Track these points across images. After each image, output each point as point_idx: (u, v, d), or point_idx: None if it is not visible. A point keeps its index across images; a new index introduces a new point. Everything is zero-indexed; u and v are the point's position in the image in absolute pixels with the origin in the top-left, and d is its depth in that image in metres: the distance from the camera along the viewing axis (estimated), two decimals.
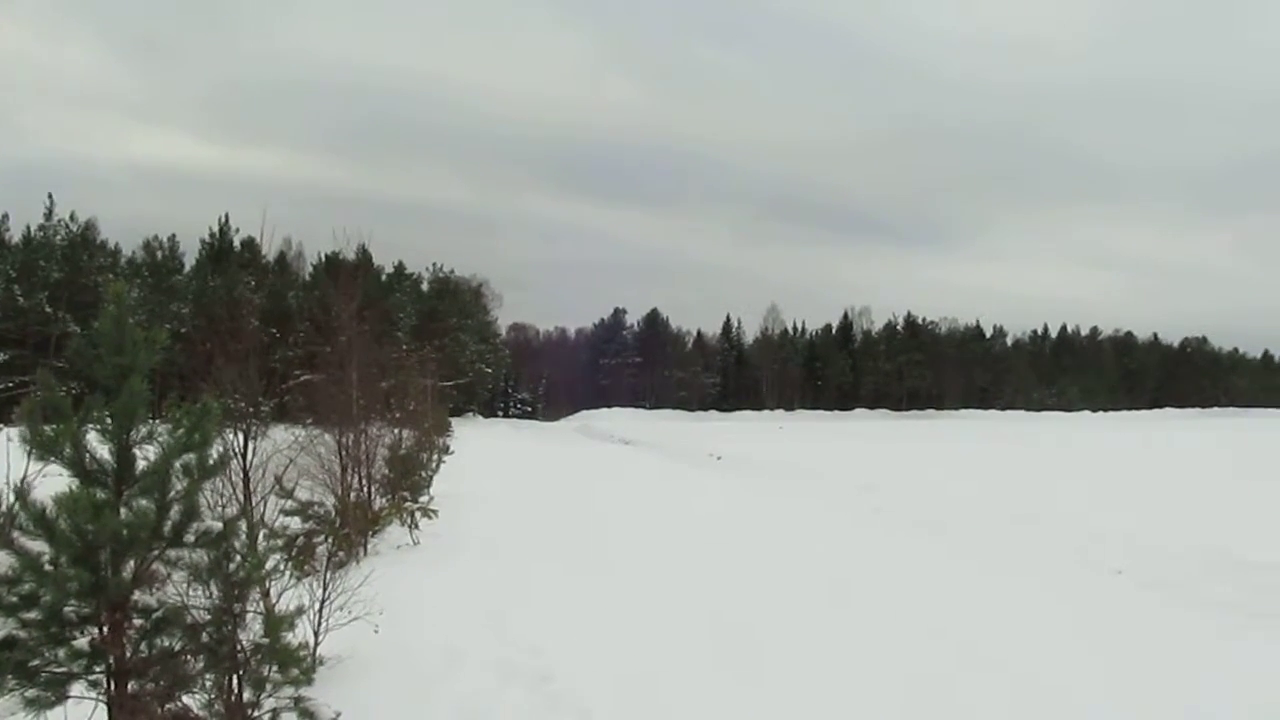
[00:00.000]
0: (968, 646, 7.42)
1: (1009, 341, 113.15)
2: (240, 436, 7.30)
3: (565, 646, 7.12)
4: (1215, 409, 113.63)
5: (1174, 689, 6.38)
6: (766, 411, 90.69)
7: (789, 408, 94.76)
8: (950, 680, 6.51)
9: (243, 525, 5.09)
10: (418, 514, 12.70)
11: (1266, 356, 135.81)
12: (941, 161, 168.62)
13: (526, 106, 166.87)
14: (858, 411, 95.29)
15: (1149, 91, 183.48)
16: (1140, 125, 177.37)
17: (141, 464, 4.20)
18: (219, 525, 4.57)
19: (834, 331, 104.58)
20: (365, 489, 12.68)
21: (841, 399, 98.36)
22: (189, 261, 62.23)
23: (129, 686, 4.18)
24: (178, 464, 4.30)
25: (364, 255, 22.95)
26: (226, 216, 62.45)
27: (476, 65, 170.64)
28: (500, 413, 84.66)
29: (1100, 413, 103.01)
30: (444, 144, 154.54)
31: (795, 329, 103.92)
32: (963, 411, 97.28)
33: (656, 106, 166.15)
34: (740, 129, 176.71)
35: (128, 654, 4.17)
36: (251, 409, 7.75)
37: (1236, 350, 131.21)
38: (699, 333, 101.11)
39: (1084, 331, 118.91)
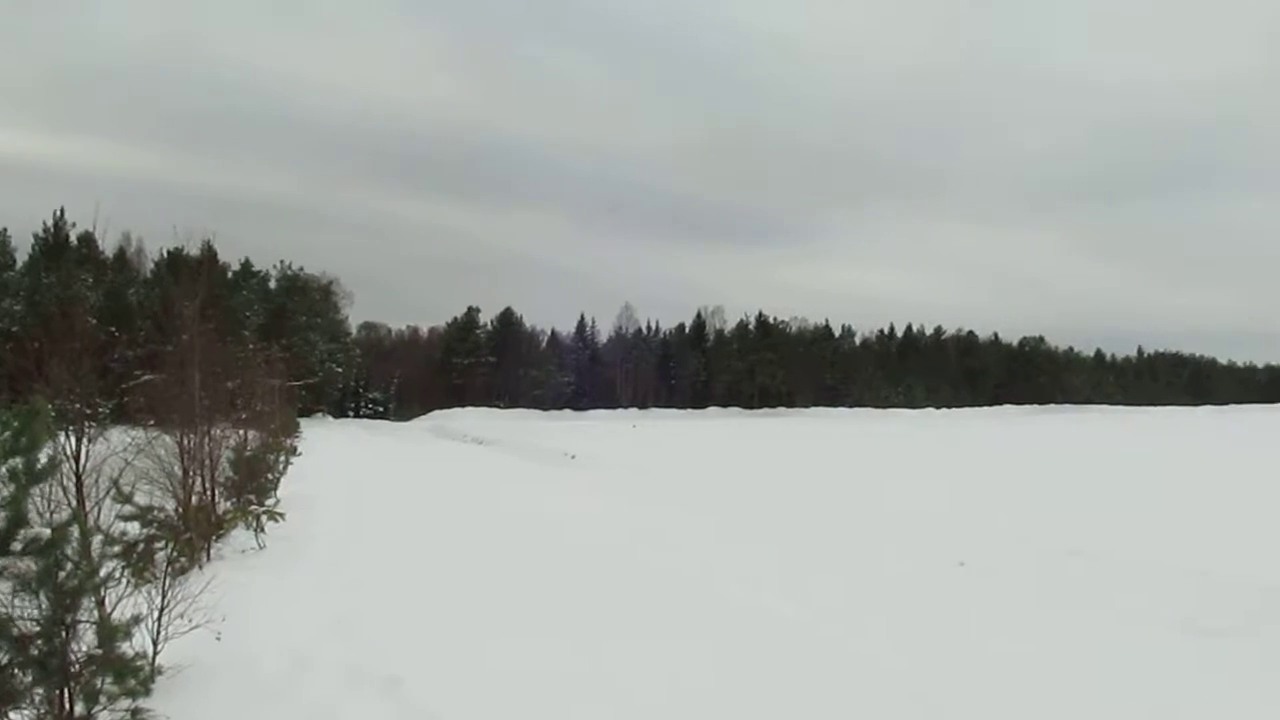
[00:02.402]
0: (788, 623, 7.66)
1: (857, 341, 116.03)
2: (74, 439, 7.03)
3: (414, 650, 7.04)
4: (1052, 405, 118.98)
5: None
6: (621, 410, 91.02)
7: (643, 406, 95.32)
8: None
9: (75, 531, 4.90)
10: (264, 517, 12.42)
11: (1099, 355, 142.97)
12: (780, 164, 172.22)
13: (364, 101, 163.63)
14: (711, 410, 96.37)
15: (974, 87, 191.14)
16: (975, 123, 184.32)
17: None
18: (48, 532, 4.40)
19: (687, 331, 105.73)
20: (209, 492, 12.33)
21: (695, 397, 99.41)
22: (21, 257, 59.35)
23: None
24: (3, 469, 4.13)
25: (208, 251, 22.20)
26: (62, 210, 59.63)
27: (306, 58, 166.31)
28: (351, 413, 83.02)
29: (944, 409, 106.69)
30: (286, 140, 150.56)
31: (649, 328, 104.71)
32: (812, 409, 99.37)
33: (492, 104, 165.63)
34: (577, 129, 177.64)
35: None
36: (87, 410, 7.47)
37: (1072, 349, 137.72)
38: (553, 331, 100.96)
39: (928, 331, 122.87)
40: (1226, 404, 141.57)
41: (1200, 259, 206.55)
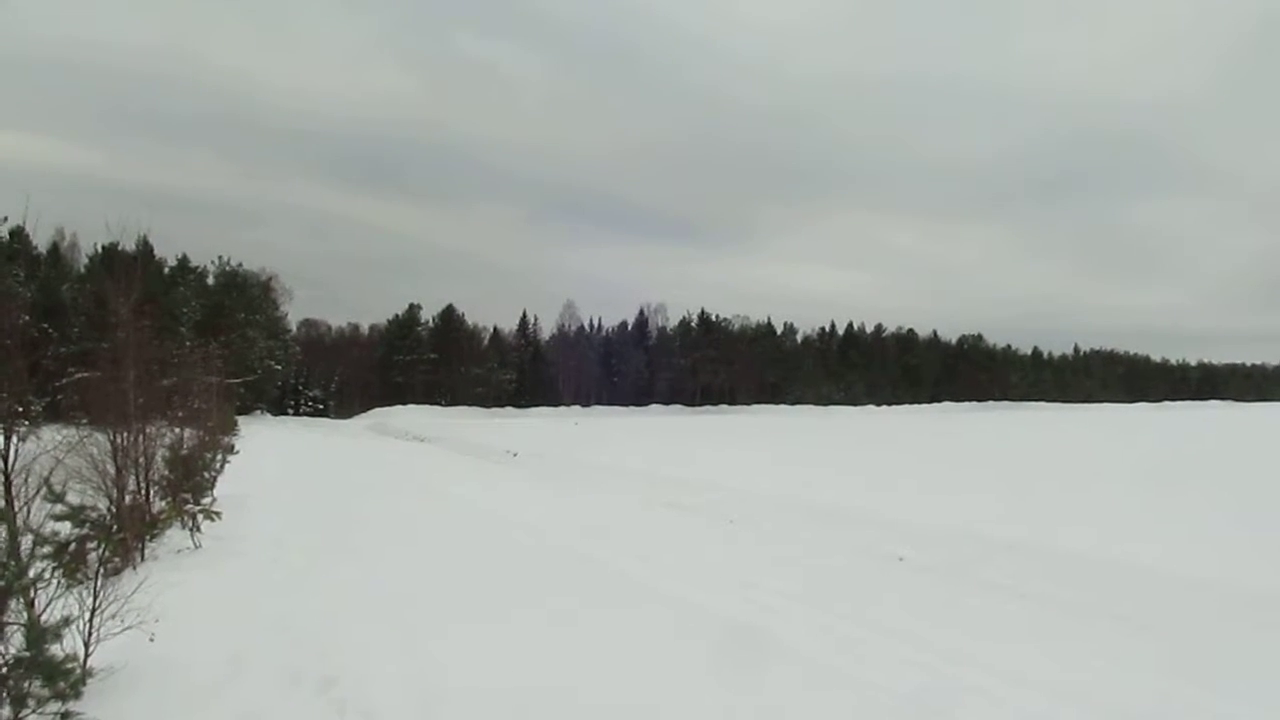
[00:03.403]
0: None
1: (799, 339, 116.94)
2: (3, 437, 6.91)
3: (352, 649, 7.00)
4: (990, 402, 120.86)
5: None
6: (563, 408, 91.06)
7: (585, 404, 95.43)
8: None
9: (3, 531, 4.83)
10: (200, 516, 12.27)
11: (1036, 352, 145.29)
12: (721, 164, 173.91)
13: (303, 95, 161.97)
14: (653, 407, 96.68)
15: (914, 90, 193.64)
16: (916, 127, 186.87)
17: None
18: None
19: (630, 328, 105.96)
20: (143, 491, 12.16)
21: (638, 395, 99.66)
22: None
23: None
24: None
25: (144, 247, 21.79)
26: None
27: (242, 50, 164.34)
28: (291, 411, 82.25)
29: (885, 406, 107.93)
30: (224, 135, 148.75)
31: (592, 326, 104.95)
32: (754, 406, 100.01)
33: (433, 101, 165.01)
34: (518, 127, 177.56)
35: None
36: (18, 408, 7.34)
37: (1009, 346, 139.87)
38: (495, 329, 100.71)
39: (869, 329, 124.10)
40: (1161, 401, 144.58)
41: (1135, 260, 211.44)
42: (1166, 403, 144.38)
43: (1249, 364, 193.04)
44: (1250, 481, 21.59)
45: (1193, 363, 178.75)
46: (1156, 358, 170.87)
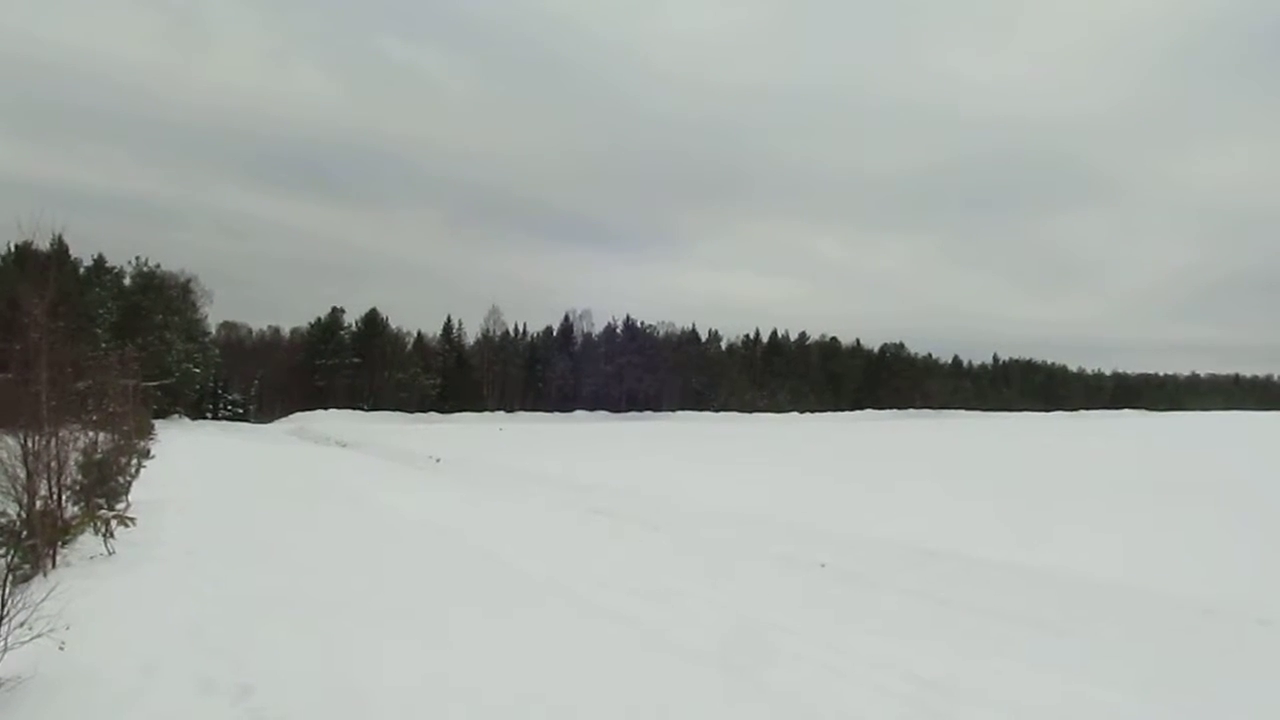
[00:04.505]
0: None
1: (723, 346, 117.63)
2: None
3: (268, 657, 6.92)
4: (911, 410, 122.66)
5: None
6: (487, 413, 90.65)
7: (510, 409, 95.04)
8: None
9: None
10: (113, 522, 12.03)
11: (956, 361, 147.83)
12: (646, 172, 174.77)
13: (224, 92, 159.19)
14: (578, 413, 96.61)
15: (838, 103, 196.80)
16: (842, 139, 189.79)
17: None
18: None
19: (555, 334, 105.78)
20: (55, 496, 11.90)
21: (562, 400, 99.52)
22: None
23: None
24: None
25: (59, 246, 21.30)
26: None
27: (159, 47, 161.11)
28: (209, 415, 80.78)
29: (808, 414, 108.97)
30: (142, 134, 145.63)
31: (517, 331, 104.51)
32: (679, 413, 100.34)
33: (356, 105, 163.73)
34: (442, 130, 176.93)
35: None
36: None
37: (930, 355, 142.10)
38: (419, 334, 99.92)
39: (794, 337, 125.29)
40: (1076, 410, 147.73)
41: (1054, 272, 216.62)
42: (1083, 411, 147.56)
43: (1162, 374, 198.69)
44: (1172, 490, 22.15)
45: (1108, 373, 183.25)
46: (1074, 368, 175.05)
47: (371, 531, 14.26)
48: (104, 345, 37.77)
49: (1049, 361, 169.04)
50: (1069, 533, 14.59)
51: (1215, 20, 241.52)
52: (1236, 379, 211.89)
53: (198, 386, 75.35)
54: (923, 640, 8.10)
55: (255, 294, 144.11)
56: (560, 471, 25.08)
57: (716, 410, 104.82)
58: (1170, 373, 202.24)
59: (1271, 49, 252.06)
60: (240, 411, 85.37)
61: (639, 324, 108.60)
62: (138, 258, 72.23)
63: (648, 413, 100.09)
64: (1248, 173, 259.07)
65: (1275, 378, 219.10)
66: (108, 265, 69.80)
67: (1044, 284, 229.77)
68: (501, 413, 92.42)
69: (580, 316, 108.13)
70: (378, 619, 8.20)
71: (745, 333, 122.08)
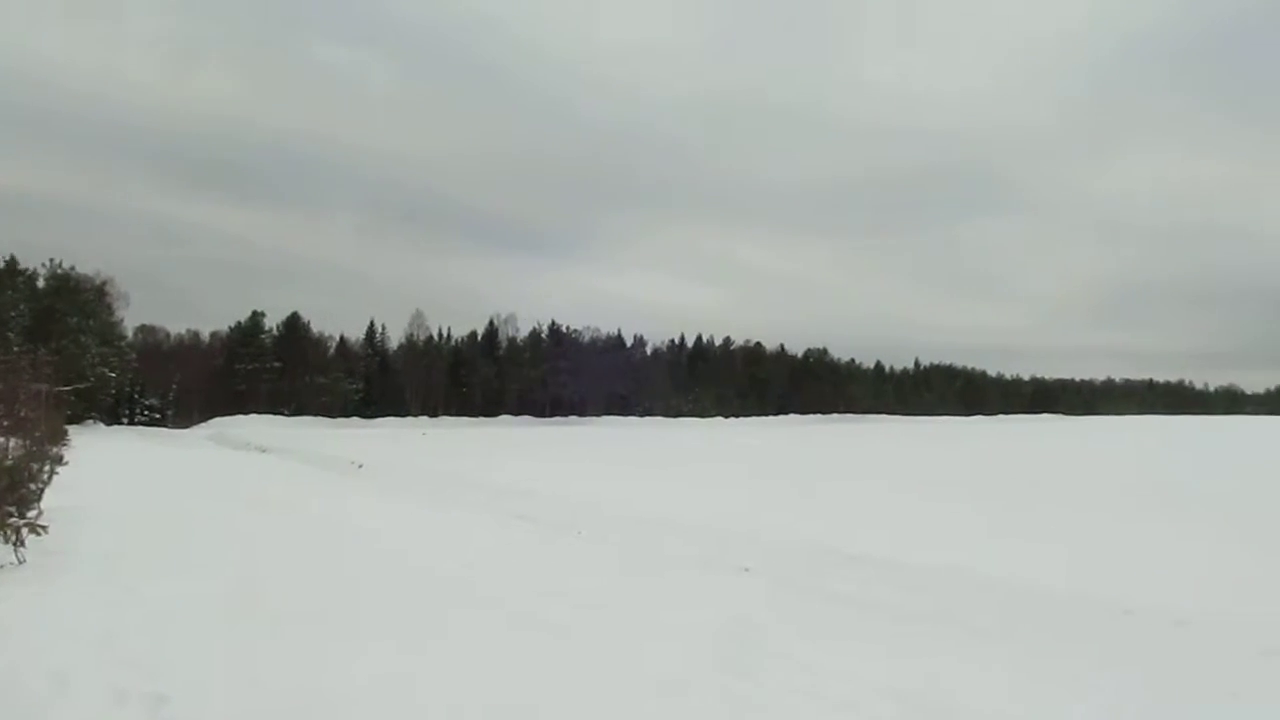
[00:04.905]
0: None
1: (649, 350, 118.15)
2: None
3: (184, 666, 6.81)
4: (835, 415, 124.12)
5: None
6: (411, 418, 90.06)
7: (434, 414, 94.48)
8: None
9: None
10: (24, 530, 11.78)
11: (879, 366, 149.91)
12: (569, 178, 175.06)
13: (137, 91, 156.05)
14: (502, 418, 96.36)
15: (764, 113, 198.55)
16: (769, 148, 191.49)
17: None
18: None
19: (479, 338, 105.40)
20: None
21: (487, 406, 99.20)
22: None
23: None
24: None
25: None
26: None
27: (70, 43, 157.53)
28: (126, 420, 79.24)
29: (732, 418, 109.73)
30: (55, 133, 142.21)
31: (441, 335, 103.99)
32: (604, 418, 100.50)
33: (263, 103, 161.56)
34: (358, 133, 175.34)
35: None
36: None
37: (854, 361, 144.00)
38: (342, 338, 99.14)
39: (718, 342, 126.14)
40: (996, 414, 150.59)
41: (973, 280, 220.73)
42: (1002, 416, 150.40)
43: (1078, 379, 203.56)
44: (1096, 492, 22.68)
45: (1026, 378, 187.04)
46: (993, 373, 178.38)
47: (292, 537, 14.09)
48: (16, 348, 36.78)
49: (969, 367, 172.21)
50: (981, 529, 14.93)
51: (1143, 33, 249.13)
52: (1150, 384, 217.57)
53: (113, 391, 73.81)
54: (854, 642, 8.24)
55: (174, 297, 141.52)
56: (484, 477, 25.00)
57: (641, 415, 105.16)
58: (1086, 378, 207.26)
59: (1186, 66, 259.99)
60: (157, 416, 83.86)
61: (565, 329, 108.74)
62: (51, 259, 70.61)
63: (573, 418, 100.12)
64: (1164, 184, 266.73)
65: (1187, 382, 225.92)
66: (21, 267, 68.16)
67: (964, 291, 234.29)
68: (425, 418, 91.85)
69: (505, 321, 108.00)
70: (299, 625, 8.13)
71: (670, 338, 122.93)
